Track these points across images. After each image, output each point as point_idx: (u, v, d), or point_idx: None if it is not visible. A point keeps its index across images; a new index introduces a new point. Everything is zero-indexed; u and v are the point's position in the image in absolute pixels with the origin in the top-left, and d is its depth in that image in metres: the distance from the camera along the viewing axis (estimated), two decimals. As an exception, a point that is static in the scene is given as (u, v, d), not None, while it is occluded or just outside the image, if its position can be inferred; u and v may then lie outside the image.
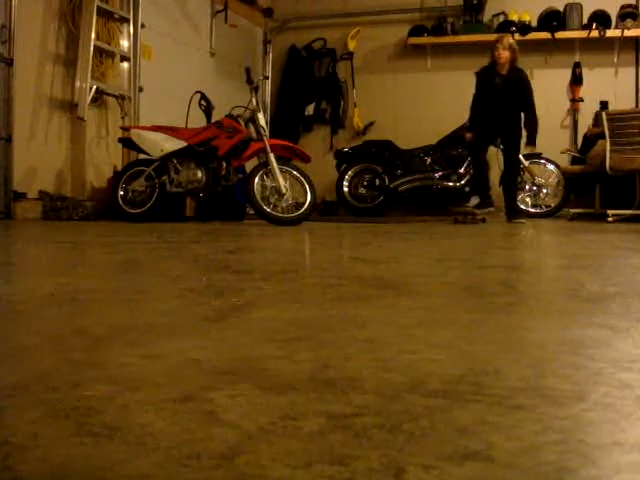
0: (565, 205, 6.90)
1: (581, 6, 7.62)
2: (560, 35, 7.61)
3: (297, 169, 5.40)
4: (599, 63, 7.70)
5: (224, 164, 5.43)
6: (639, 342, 1.05)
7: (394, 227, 5.31)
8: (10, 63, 5.18)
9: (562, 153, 7.12)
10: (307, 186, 5.27)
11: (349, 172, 7.45)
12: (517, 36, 7.70)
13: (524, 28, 7.69)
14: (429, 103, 7.99)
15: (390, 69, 8.37)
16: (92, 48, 5.63)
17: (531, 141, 6.03)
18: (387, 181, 7.29)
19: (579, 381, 0.82)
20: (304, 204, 5.23)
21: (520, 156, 6.88)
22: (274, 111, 8.66)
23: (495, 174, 7.20)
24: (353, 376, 0.83)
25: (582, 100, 7.70)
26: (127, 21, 6.29)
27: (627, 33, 7.43)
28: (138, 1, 6.34)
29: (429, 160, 7.26)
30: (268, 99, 8.62)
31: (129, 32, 6.32)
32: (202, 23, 7.49)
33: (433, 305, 1.47)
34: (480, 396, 0.75)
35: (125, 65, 6.32)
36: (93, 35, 5.65)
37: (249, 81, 5.48)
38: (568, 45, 7.73)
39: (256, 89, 5.52)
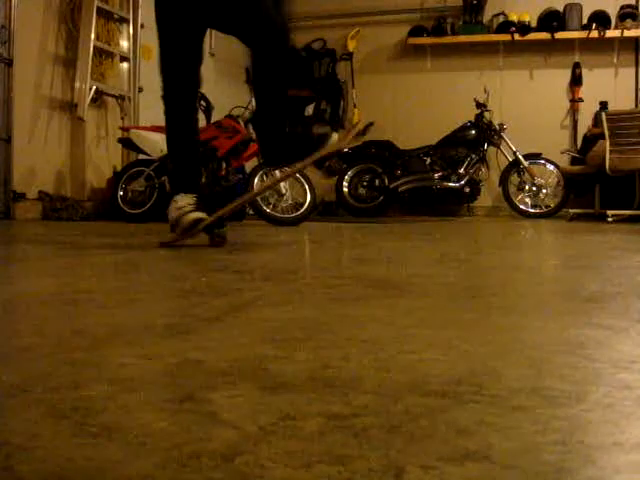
0: (565, 205, 6.91)
1: (581, 6, 7.62)
2: (560, 35, 7.61)
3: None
4: (599, 63, 7.71)
5: (224, 164, 5.43)
6: (639, 342, 1.05)
7: (394, 227, 5.31)
8: (10, 63, 5.18)
9: (562, 153, 7.13)
10: (307, 186, 5.27)
11: (349, 172, 7.45)
12: (517, 36, 7.71)
13: (524, 28, 7.70)
14: (429, 103, 8.00)
15: (390, 69, 8.37)
16: (92, 48, 5.63)
17: None
18: (387, 181, 7.29)
19: (578, 381, 0.82)
20: (304, 204, 5.23)
21: (519, 156, 6.90)
22: (274, 111, 8.65)
23: (495, 174, 7.22)
24: (353, 376, 0.83)
25: (582, 100, 7.71)
26: (127, 21, 6.29)
27: (627, 33, 7.43)
28: (138, 1, 6.34)
29: (429, 160, 7.26)
30: (268, 99, 8.61)
31: (129, 32, 6.32)
32: (202, 23, 7.49)
33: (433, 305, 1.47)
34: (480, 396, 0.75)
35: (125, 65, 6.32)
36: (93, 35, 5.65)
37: (249, 81, 5.49)
38: (568, 45, 7.74)
39: (256, 89, 5.51)
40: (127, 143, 5.64)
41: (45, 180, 5.54)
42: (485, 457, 0.58)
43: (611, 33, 7.51)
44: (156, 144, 5.43)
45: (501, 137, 7.02)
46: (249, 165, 5.91)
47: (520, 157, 6.91)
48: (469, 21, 7.95)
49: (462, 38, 7.91)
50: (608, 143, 6.00)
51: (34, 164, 5.45)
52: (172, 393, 0.76)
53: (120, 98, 6.12)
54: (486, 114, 7.07)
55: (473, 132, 7.08)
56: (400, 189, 7.19)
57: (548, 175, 7.03)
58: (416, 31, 8.11)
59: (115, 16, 6.15)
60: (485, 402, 0.73)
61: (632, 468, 0.56)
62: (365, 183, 7.43)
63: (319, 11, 8.46)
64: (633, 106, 7.46)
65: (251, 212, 5.65)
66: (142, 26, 6.41)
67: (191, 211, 2.86)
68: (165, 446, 0.60)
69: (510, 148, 6.93)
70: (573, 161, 7.12)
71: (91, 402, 0.73)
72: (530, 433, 0.64)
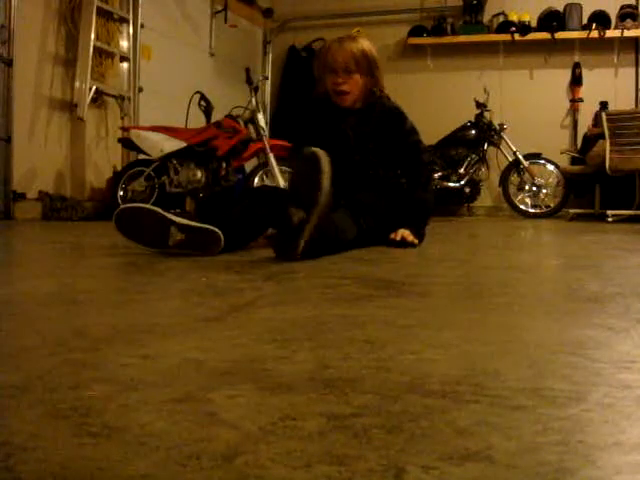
0: (565, 205, 6.90)
1: (581, 6, 7.62)
2: (560, 35, 7.61)
3: (297, 169, 5.39)
4: (599, 63, 7.71)
5: (224, 164, 5.43)
6: (639, 342, 1.05)
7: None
8: (10, 63, 5.18)
9: (562, 153, 7.12)
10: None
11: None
12: (517, 36, 7.71)
13: (524, 28, 7.69)
14: (429, 103, 7.99)
15: (390, 69, 8.33)
16: (92, 48, 5.63)
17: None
18: (387, 181, 7.28)
19: (579, 381, 0.82)
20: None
21: (519, 156, 6.89)
22: (274, 111, 8.66)
23: (495, 174, 7.21)
24: (353, 376, 0.83)
25: (582, 100, 7.71)
26: (127, 21, 6.29)
27: (627, 33, 7.43)
28: (138, 1, 6.34)
29: (429, 160, 7.24)
30: (268, 99, 8.62)
31: (129, 32, 6.32)
32: (202, 23, 7.49)
33: (433, 305, 1.47)
34: (480, 396, 0.75)
35: (125, 65, 6.31)
36: (93, 35, 5.65)
37: (249, 81, 5.49)
38: (568, 45, 7.73)
39: (256, 89, 5.52)
40: (127, 143, 5.64)
41: (45, 180, 5.54)
42: (485, 457, 0.58)
43: (611, 33, 7.50)
44: (156, 144, 5.43)
45: (501, 137, 7.01)
46: (249, 165, 5.91)
47: (520, 157, 6.90)
48: (469, 21, 7.95)
49: (462, 38, 7.90)
50: (608, 143, 5.99)
51: (34, 164, 5.45)
52: (172, 393, 0.76)
53: (120, 98, 6.12)
54: (486, 114, 7.06)
55: (473, 132, 7.07)
56: (400, 189, 7.18)
57: (548, 175, 7.02)
58: (416, 31, 8.10)
59: (115, 16, 6.14)
60: (485, 402, 0.73)
61: (632, 468, 0.56)
62: (365, 183, 7.42)
63: (319, 11, 8.46)
64: (633, 106, 7.46)
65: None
66: (142, 26, 6.41)
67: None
68: (165, 446, 0.60)
69: (510, 148, 6.92)
70: (573, 161, 7.11)
71: (91, 402, 0.73)
72: (530, 433, 0.64)
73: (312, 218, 2.21)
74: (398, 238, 2.84)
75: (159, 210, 2.41)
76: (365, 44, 3.00)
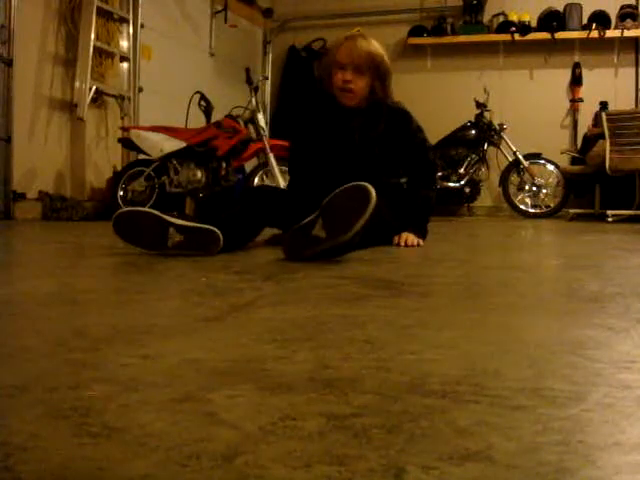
0: (565, 205, 6.90)
1: (581, 6, 7.62)
2: (560, 35, 7.62)
3: (297, 169, 5.39)
4: (599, 63, 7.71)
5: (224, 164, 5.44)
6: (639, 342, 1.05)
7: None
8: (10, 63, 5.18)
9: (562, 153, 7.12)
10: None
11: (349, 172, 7.43)
12: (517, 36, 7.71)
13: (524, 28, 7.70)
14: (429, 103, 7.98)
15: (390, 69, 8.36)
16: (92, 48, 5.63)
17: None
18: (387, 181, 7.27)
19: (579, 381, 0.82)
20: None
21: (519, 156, 6.89)
22: (274, 111, 8.66)
23: (495, 173, 7.22)
24: (353, 376, 0.83)
25: (582, 100, 7.71)
26: (127, 21, 6.29)
27: (627, 33, 7.43)
28: (138, 1, 6.34)
29: (429, 160, 7.24)
30: (268, 99, 8.62)
31: (129, 32, 6.32)
32: (202, 23, 7.50)
33: (433, 305, 1.47)
34: (480, 396, 0.75)
35: (125, 65, 6.31)
36: (93, 35, 5.65)
37: (249, 81, 5.49)
38: (568, 45, 7.74)
39: (256, 89, 5.52)
40: (127, 143, 5.64)
41: (45, 180, 5.54)
42: (485, 457, 0.58)
43: (611, 33, 7.51)
44: (156, 144, 5.43)
45: (501, 137, 7.01)
46: (249, 165, 5.91)
47: (520, 157, 6.90)
48: (469, 21, 7.95)
49: (462, 38, 7.90)
50: (608, 143, 5.99)
51: (34, 164, 5.45)
52: (172, 393, 0.76)
53: (120, 98, 6.12)
54: (486, 114, 7.06)
55: (473, 132, 7.07)
56: (400, 189, 7.18)
57: (548, 175, 7.02)
58: (416, 31, 8.11)
59: (115, 16, 6.14)
60: (485, 402, 0.73)
61: (632, 468, 0.56)
62: (365, 183, 7.41)
63: (319, 11, 8.46)
64: (633, 106, 7.46)
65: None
66: (142, 26, 6.42)
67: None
68: (165, 446, 0.60)
69: (510, 148, 6.92)
70: (573, 161, 7.11)
71: (91, 402, 0.73)
72: (530, 433, 0.64)
73: (330, 243, 2.16)
74: (402, 243, 2.86)
75: (157, 212, 2.41)
76: (378, 48, 2.97)
